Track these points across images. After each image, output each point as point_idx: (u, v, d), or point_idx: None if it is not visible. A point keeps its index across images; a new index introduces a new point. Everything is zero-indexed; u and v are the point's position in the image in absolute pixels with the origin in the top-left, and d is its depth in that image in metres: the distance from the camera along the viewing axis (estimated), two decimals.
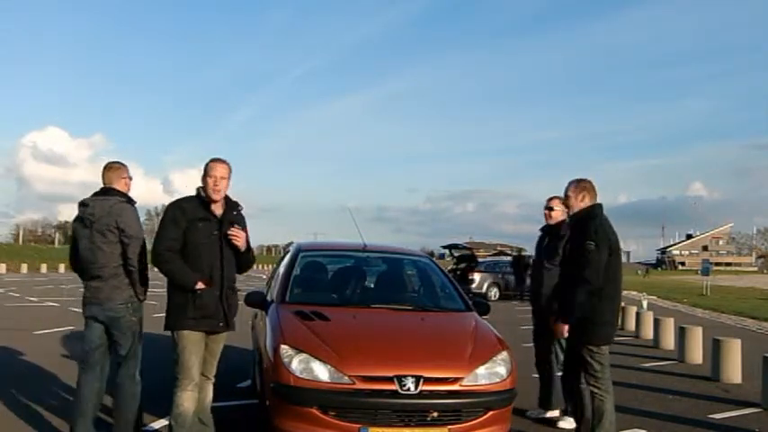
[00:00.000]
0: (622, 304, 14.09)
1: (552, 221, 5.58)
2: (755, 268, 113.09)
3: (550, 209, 5.59)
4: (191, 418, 3.98)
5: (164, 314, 4.10)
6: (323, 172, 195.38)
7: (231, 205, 4.19)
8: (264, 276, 28.81)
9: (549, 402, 5.53)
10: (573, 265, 4.40)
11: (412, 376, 3.91)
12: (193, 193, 4.16)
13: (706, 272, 31.43)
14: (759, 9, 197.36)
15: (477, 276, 22.25)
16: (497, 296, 22.07)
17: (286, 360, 4.01)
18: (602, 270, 4.33)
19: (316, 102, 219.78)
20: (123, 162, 4.50)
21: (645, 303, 16.47)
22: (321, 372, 3.94)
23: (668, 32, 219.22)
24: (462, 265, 22.92)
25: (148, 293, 4.43)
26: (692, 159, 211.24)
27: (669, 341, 10.41)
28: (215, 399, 4.36)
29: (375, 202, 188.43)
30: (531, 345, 5.79)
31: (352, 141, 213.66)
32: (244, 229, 4.18)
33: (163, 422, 4.71)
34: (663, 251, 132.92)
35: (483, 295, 20.11)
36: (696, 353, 9.07)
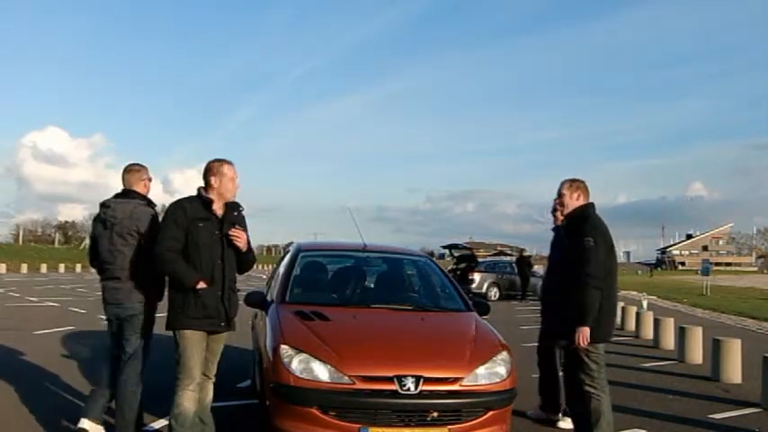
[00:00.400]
0: (622, 304, 14.27)
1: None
2: (755, 268, 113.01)
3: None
4: (191, 418, 3.98)
5: (165, 314, 4.10)
6: (323, 172, 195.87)
7: (232, 206, 4.20)
8: (264, 276, 28.81)
9: (556, 405, 5.46)
10: (574, 264, 4.40)
11: (412, 376, 3.90)
12: (193, 193, 4.16)
13: (706, 272, 31.39)
14: (759, 9, 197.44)
15: (477, 276, 22.24)
16: (497, 296, 22.06)
17: (286, 360, 4.00)
18: (603, 265, 4.33)
19: (316, 102, 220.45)
20: (142, 164, 4.57)
21: (645, 303, 16.45)
22: (321, 372, 3.94)
23: (668, 32, 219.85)
24: (462, 265, 22.92)
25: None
26: (692, 159, 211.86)
27: (669, 341, 10.41)
28: (215, 399, 4.36)
29: (375, 202, 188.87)
30: (531, 345, 5.79)
31: (352, 141, 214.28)
32: (244, 229, 4.19)
33: (163, 422, 4.71)
34: (663, 251, 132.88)
35: (483, 295, 20.11)
36: (696, 353, 9.07)
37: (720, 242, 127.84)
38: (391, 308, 4.98)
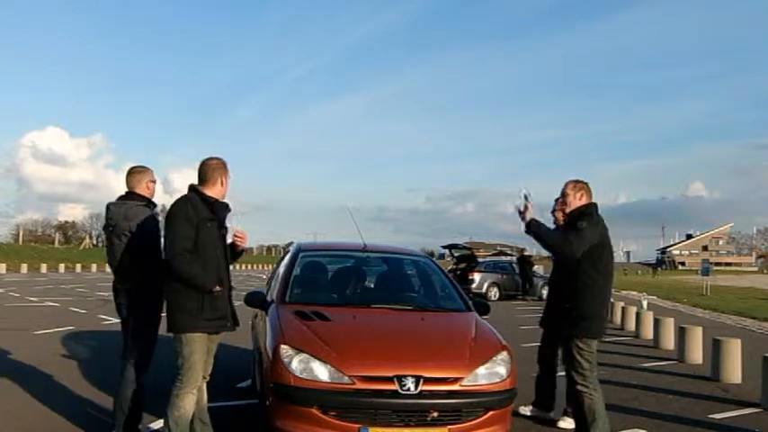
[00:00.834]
0: (622, 304, 14.26)
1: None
2: (755, 268, 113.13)
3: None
4: (189, 421, 3.97)
5: (164, 314, 4.08)
6: (323, 172, 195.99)
7: (223, 206, 4.14)
8: (264, 276, 28.81)
9: (548, 403, 5.50)
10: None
11: (412, 376, 3.90)
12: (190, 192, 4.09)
13: (706, 272, 31.42)
14: (759, 9, 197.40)
15: (477, 276, 22.21)
16: (497, 296, 22.05)
17: (286, 360, 4.00)
18: (586, 247, 4.37)
19: (316, 102, 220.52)
20: (145, 166, 4.56)
21: (645, 303, 16.47)
22: (321, 372, 3.94)
23: (668, 32, 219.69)
24: (462, 265, 22.87)
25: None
26: (692, 159, 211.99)
27: (669, 341, 10.41)
28: (215, 399, 4.35)
29: (375, 202, 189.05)
30: (531, 345, 5.79)
31: (352, 141, 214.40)
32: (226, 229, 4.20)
33: (163, 422, 4.69)
34: (663, 251, 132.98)
35: (483, 295, 20.10)
36: (696, 353, 9.07)
37: (720, 242, 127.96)
38: (391, 308, 4.98)
